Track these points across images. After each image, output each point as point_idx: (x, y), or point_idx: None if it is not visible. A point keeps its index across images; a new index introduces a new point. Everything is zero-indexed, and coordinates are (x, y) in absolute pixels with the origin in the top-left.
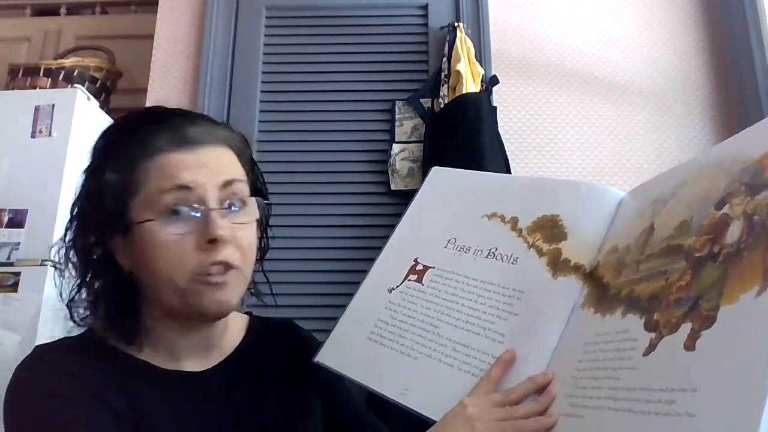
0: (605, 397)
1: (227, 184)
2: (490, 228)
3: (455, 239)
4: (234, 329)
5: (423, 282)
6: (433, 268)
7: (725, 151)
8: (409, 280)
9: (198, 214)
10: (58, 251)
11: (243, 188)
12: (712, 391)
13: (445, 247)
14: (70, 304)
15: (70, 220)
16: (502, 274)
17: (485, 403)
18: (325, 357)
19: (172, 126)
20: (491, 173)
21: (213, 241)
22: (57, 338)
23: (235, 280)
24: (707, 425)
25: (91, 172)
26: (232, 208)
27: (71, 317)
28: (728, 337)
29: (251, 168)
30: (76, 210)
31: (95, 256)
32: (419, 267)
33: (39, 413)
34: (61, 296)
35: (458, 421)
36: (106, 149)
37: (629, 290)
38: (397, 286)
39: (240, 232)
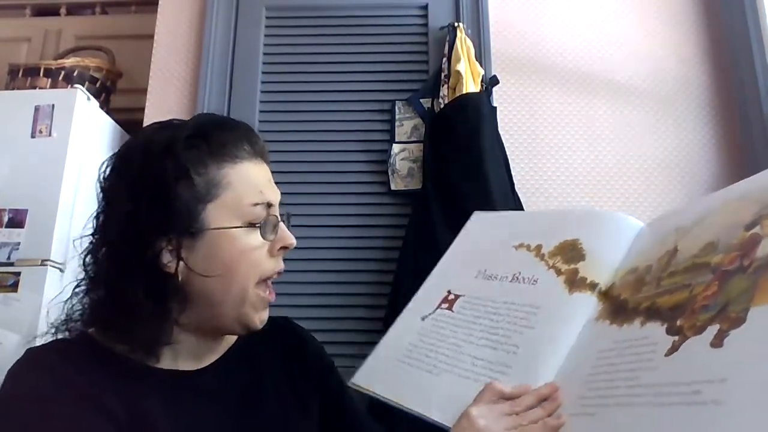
0: (622, 395)
1: (280, 201)
2: (516, 257)
3: (485, 270)
4: None
5: (453, 309)
6: (463, 296)
7: (753, 185)
8: (441, 308)
9: (274, 225)
10: (89, 254)
11: None
12: (743, 380)
13: (476, 277)
14: (69, 311)
15: (110, 223)
16: (522, 294)
17: (493, 413)
18: (359, 379)
19: (247, 136)
20: (523, 212)
21: (284, 248)
22: (50, 341)
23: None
24: (739, 411)
25: (149, 172)
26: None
27: (66, 324)
28: (759, 332)
29: None
30: (124, 211)
31: (142, 260)
32: (451, 297)
33: (31, 417)
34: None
35: None
36: (169, 152)
37: (650, 303)
38: (430, 314)
39: None
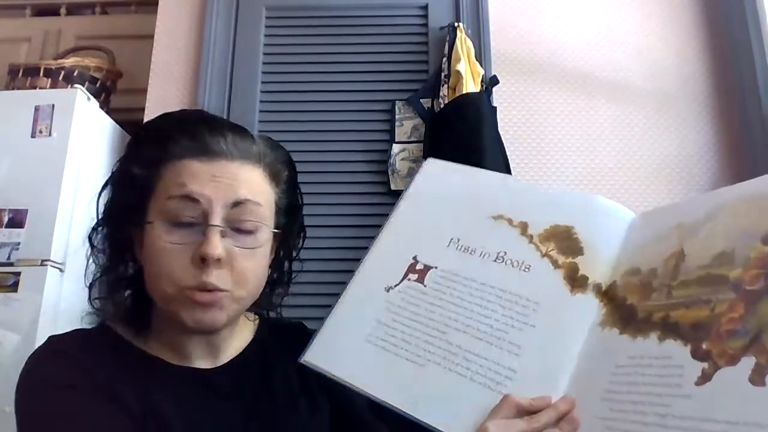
0: (653, 423)
1: (238, 203)
2: (496, 230)
3: (458, 239)
4: (243, 331)
5: (425, 283)
6: (435, 268)
7: (763, 186)
8: (409, 279)
9: (198, 228)
10: (92, 234)
11: (259, 211)
12: None
13: (447, 246)
14: (91, 288)
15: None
16: (515, 281)
17: (511, 431)
18: (315, 357)
19: (197, 134)
20: (490, 171)
21: (204, 260)
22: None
23: (222, 301)
24: None
25: (122, 162)
26: (240, 230)
27: (89, 300)
28: None
29: (289, 189)
30: (106, 195)
31: (118, 243)
32: (419, 266)
33: (49, 404)
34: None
35: None
36: (137, 144)
37: (663, 314)
38: (396, 285)
39: (241, 258)
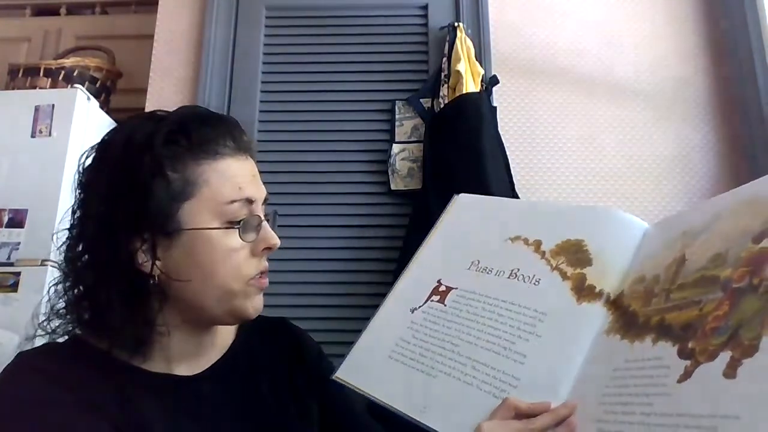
0: (637, 422)
1: (266, 199)
2: (513, 250)
3: (478, 261)
4: (225, 330)
5: (445, 303)
6: (456, 289)
7: (762, 187)
8: (432, 300)
9: (256, 224)
10: (64, 251)
11: None
12: (756, 419)
13: (468, 269)
14: (50, 315)
15: (85, 219)
16: (524, 295)
17: (507, 431)
18: (345, 374)
19: (228, 131)
20: (517, 200)
21: (268, 249)
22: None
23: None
24: None
25: (125, 168)
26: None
27: (47, 328)
28: None
29: None
30: (98, 208)
31: (115, 259)
32: (442, 288)
33: (27, 422)
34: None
35: None
36: (147, 147)
37: (660, 318)
38: (420, 307)
39: None
